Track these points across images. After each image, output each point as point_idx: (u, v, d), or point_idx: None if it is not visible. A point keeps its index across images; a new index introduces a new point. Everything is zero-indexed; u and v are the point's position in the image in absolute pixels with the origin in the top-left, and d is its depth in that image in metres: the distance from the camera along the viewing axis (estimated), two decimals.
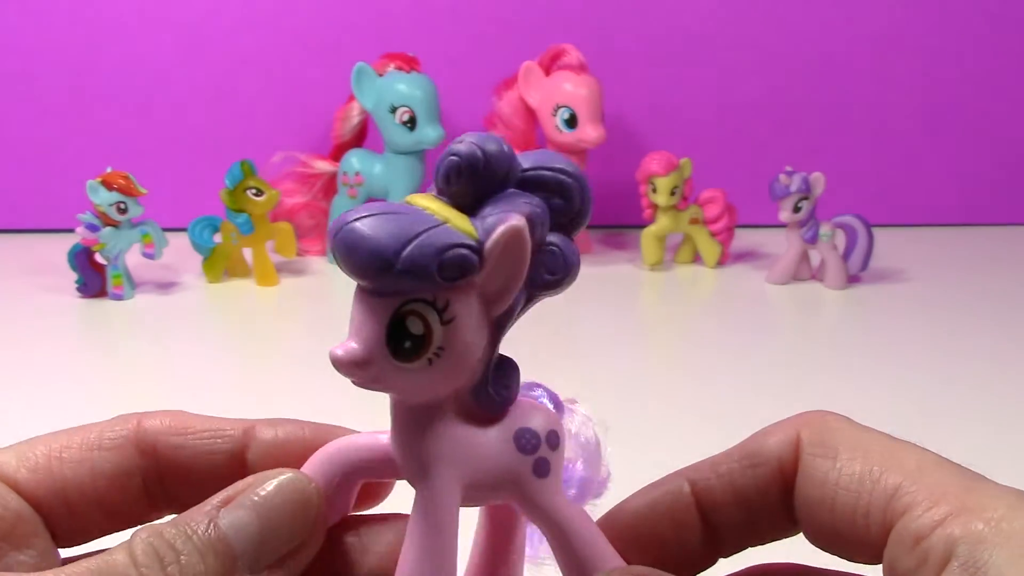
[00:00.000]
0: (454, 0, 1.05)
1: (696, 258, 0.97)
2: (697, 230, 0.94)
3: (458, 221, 0.18)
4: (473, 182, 0.18)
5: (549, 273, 0.19)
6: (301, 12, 1.04)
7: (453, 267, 0.17)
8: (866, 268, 0.89)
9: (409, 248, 0.17)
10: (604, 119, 0.95)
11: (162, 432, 0.21)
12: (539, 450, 0.20)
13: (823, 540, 0.19)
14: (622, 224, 1.10)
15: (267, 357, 0.73)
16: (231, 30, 1.03)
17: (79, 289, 0.82)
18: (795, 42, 1.09)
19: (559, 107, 0.93)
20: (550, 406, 0.21)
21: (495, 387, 0.20)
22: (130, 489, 0.21)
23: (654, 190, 0.91)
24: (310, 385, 0.62)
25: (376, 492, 0.22)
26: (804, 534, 0.20)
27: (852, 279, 0.89)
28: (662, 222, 0.93)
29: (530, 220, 0.18)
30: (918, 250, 1.03)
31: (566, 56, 0.94)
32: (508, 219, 0.17)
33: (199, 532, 0.18)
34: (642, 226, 0.94)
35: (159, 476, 0.21)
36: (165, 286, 0.86)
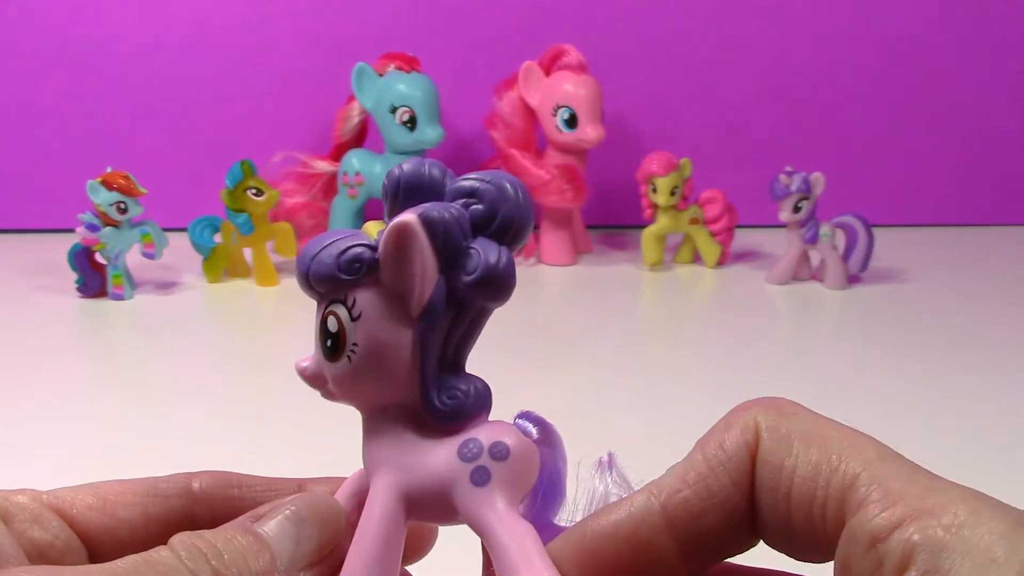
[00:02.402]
0: (454, 0, 1.05)
1: (696, 258, 0.97)
2: (697, 230, 0.94)
3: (371, 230, 0.20)
4: (399, 200, 0.20)
5: (466, 273, 0.19)
6: (301, 12, 1.04)
7: (350, 263, 0.19)
8: (866, 268, 0.89)
9: (318, 254, 0.20)
10: (604, 119, 0.95)
11: (219, 485, 0.22)
12: (479, 459, 0.19)
13: (779, 536, 0.18)
14: (622, 224, 1.10)
15: (267, 357, 0.73)
16: (231, 30, 1.03)
17: (79, 289, 0.82)
18: (795, 42, 1.09)
19: (559, 107, 0.93)
20: (533, 431, 0.21)
21: (440, 396, 0.20)
22: None
23: (654, 190, 0.91)
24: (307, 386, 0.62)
25: (417, 547, 0.23)
26: (760, 531, 0.19)
27: (852, 279, 0.89)
28: (662, 222, 0.93)
29: (425, 218, 0.19)
30: (918, 250, 1.03)
31: (566, 56, 0.94)
32: (398, 217, 0.19)
33: (238, 537, 0.19)
34: (642, 226, 0.94)
35: (214, 525, 0.21)
36: (165, 286, 0.86)
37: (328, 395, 0.21)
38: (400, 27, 1.04)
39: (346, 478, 0.23)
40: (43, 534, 0.20)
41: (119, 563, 0.17)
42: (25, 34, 1.02)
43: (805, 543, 0.18)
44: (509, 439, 0.20)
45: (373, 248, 0.19)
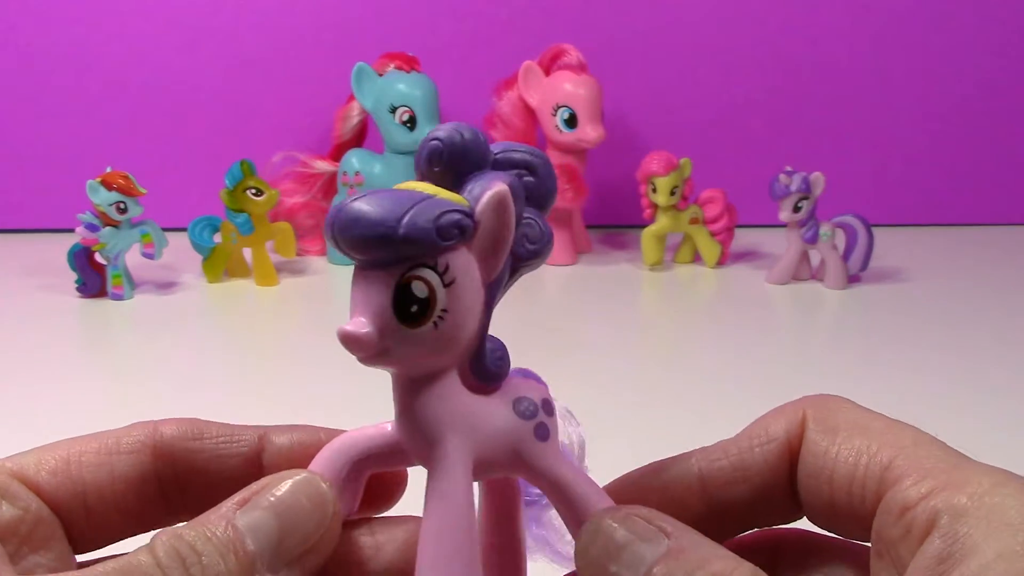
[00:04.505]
0: (454, 0, 1.05)
1: (696, 258, 0.97)
2: (697, 230, 0.94)
3: (447, 194, 0.20)
4: (453, 163, 0.20)
5: (530, 243, 0.21)
6: (301, 12, 1.04)
7: (450, 229, 0.19)
8: (866, 268, 0.89)
9: (408, 215, 0.18)
10: (604, 119, 0.95)
11: (179, 437, 0.22)
12: (538, 415, 0.21)
13: (821, 515, 0.20)
14: (622, 224, 1.10)
15: (267, 357, 0.73)
16: (231, 30, 1.03)
17: (79, 289, 0.82)
18: (795, 42, 1.09)
19: (559, 107, 0.93)
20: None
21: (491, 359, 0.21)
22: (147, 493, 0.21)
23: (654, 190, 0.91)
24: (310, 384, 0.62)
25: (389, 493, 0.23)
26: (804, 510, 0.21)
27: (852, 279, 0.89)
28: (662, 222, 0.93)
29: (512, 189, 0.20)
30: (918, 250, 1.03)
31: (566, 56, 0.94)
32: (494, 185, 0.19)
33: (218, 534, 0.18)
34: (642, 226, 0.94)
35: (176, 479, 0.21)
36: (165, 286, 0.86)
37: (378, 360, 0.19)
38: (400, 27, 1.04)
39: (309, 426, 0.23)
40: (11, 510, 0.19)
41: (99, 568, 0.17)
42: (25, 34, 1.02)
43: (846, 521, 0.19)
44: (549, 396, 0.22)
45: (468, 214, 0.19)
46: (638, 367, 0.69)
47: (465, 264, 0.19)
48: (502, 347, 0.21)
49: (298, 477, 0.20)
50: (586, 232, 1.03)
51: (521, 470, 0.21)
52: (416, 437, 0.20)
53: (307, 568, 0.19)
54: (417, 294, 0.19)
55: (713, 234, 0.94)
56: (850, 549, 0.21)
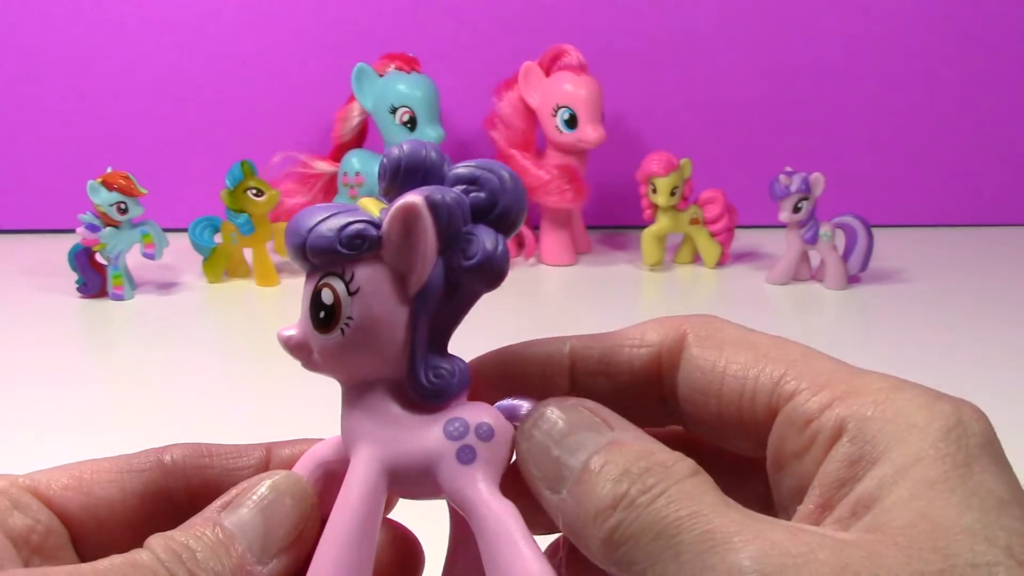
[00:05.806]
0: (454, 0, 1.05)
1: (696, 258, 0.97)
2: (697, 230, 0.94)
3: (370, 206, 0.20)
4: (398, 180, 0.20)
5: (466, 258, 0.20)
6: (301, 12, 1.04)
7: (352, 238, 0.19)
8: (866, 268, 0.89)
9: (317, 226, 0.20)
10: (604, 119, 0.95)
11: (190, 455, 0.23)
12: (465, 438, 0.20)
13: (707, 428, 0.20)
14: (622, 224, 1.10)
15: (267, 357, 0.73)
16: (231, 30, 1.03)
17: (79, 289, 0.82)
18: (795, 42, 1.09)
19: (559, 107, 0.93)
20: (525, 407, 0.21)
21: (427, 374, 0.21)
22: (157, 510, 0.22)
23: (654, 190, 0.91)
24: (309, 385, 0.62)
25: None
26: (686, 424, 0.21)
27: (852, 279, 0.89)
28: (662, 222, 0.93)
29: (431, 201, 0.19)
30: (918, 250, 1.03)
31: (566, 56, 0.94)
32: (404, 198, 0.19)
33: (207, 533, 0.19)
34: (642, 226, 0.94)
35: (189, 496, 0.22)
36: (165, 286, 0.86)
37: (311, 366, 0.21)
38: (400, 27, 1.04)
39: (312, 439, 0.23)
40: (23, 519, 0.20)
41: (105, 563, 0.18)
42: (25, 34, 1.02)
43: (735, 435, 0.20)
44: (492, 420, 0.20)
45: (376, 225, 0.20)
46: None
47: (373, 274, 0.20)
48: (454, 368, 0.21)
49: (277, 476, 0.21)
50: (586, 232, 1.03)
51: (442, 490, 0.20)
52: (344, 440, 0.21)
53: (293, 559, 0.20)
54: (325, 300, 0.20)
55: (713, 234, 0.94)
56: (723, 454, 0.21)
